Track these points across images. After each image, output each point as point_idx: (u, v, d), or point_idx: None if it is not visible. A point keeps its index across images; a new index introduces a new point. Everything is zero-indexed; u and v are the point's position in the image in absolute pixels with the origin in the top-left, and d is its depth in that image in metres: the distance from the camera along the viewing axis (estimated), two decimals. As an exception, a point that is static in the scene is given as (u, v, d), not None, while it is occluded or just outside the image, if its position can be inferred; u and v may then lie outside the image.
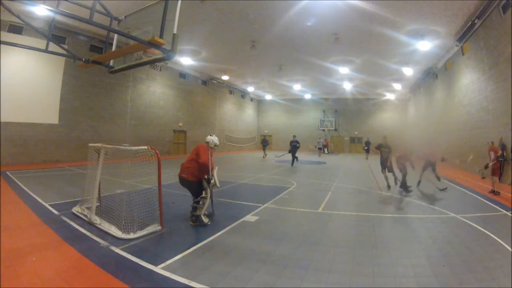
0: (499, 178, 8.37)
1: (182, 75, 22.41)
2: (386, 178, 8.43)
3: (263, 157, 20.95)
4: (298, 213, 5.61)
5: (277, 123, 34.38)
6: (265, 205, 6.09)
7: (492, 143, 8.69)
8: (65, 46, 8.76)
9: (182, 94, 22.31)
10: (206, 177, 4.73)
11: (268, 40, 14.73)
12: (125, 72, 14.83)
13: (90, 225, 4.38)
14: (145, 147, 4.44)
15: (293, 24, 12.63)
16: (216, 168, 4.97)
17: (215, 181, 4.80)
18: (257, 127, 35.28)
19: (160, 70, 19.79)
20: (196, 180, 4.76)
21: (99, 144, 4.96)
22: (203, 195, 4.73)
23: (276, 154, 21.63)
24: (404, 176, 7.95)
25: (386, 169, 8.45)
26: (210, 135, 5.08)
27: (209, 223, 4.64)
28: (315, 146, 26.39)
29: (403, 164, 8.03)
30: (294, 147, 16.02)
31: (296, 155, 16.01)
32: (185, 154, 22.01)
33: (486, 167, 8.35)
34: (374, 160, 18.94)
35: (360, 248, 3.78)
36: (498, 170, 7.96)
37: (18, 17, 3.60)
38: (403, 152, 8.45)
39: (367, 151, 21.79)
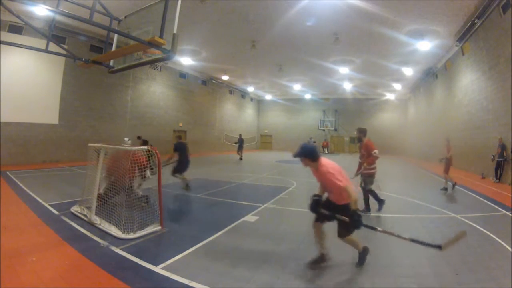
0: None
1: (182, 75, 22.40)
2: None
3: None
4: (298, 213, 5.60)
5: (277, 123, 34.40)
6: (265, 205, 6.09)
7: (448, 141, 8.57)
8: (65, 46, 8.75)
9: (182, 94, 22.31)
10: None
11: (268, 40, 14.73)
12: (125, 72, 14.85)
13: (90, 225, 4.37)
14: (145, 147, 4.44)
15: (293, 24, 12.62)
16: None
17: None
18: (257, 127, 35.27)
19: (160, 70, 19.80)
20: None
21: (98, 144, 4.96)
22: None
23: (277, 158, 21.31)
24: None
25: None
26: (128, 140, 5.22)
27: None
28: None
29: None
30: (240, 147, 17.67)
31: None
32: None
33: (441, 161, 8.40)
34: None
35: (360, 248, 3.77)
36: (448, 168, 8.03)
37: (18, 17, 3.60)
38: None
39: None
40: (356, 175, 5.65)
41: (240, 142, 19.01)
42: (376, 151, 5.42)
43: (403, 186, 9.18)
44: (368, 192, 5.53)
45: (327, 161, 3.10)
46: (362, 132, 5.67)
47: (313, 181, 6.95)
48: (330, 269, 3.16)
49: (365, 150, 5.53)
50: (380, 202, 5.56)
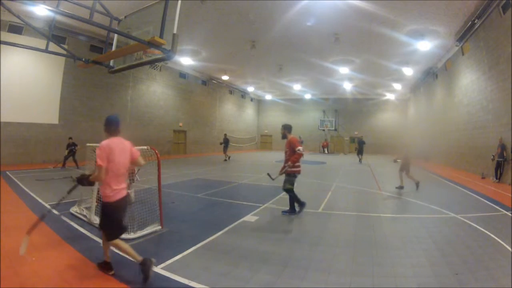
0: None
1: (182, 75, 22.41)
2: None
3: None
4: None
5: (277, 123, 34.31)
6: (265, 205, 6.09)
7: (406, 147, 8.91)
8: (65, 46, 8.76)
9: (182, 94, 22.31)
10: None
11: (268, 40, 14.73)
12: (125, 72, 14.84)
13: (90, 225, 4.38)
14: (145, 147, 4.44)
15: (293, 24, 12.63)
16: None
17: None
18: (257, 127, 35.29)
19: (160, 70, 19.79)
20: None
21: (97, 144, 4.94)
22: None
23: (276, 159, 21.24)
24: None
25: None
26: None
27: None
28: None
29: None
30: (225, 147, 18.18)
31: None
32: (185, 154, 22.01)
33: (395, 161, 8.77)
34: (372, 164, 18.93)
35: (360, 248, 3.78)
36: (404, 167, 8.22)
37: (18, 17, 3.61)
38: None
39: (360, 152, 18.54)
40: (280, 173, 5.37)
41: (226, 142, 18.25)
42: (300, 148, 5.07)
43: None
44: (287, 192, 5.27)
45: (116, 140, 2.86)
46: (287, 128, 5.33)
47: (313, 181, 6.94)
48: (330, 268, 3.16)
49: (289, 147, 5.20)
50: (301, 204, 5.34)
